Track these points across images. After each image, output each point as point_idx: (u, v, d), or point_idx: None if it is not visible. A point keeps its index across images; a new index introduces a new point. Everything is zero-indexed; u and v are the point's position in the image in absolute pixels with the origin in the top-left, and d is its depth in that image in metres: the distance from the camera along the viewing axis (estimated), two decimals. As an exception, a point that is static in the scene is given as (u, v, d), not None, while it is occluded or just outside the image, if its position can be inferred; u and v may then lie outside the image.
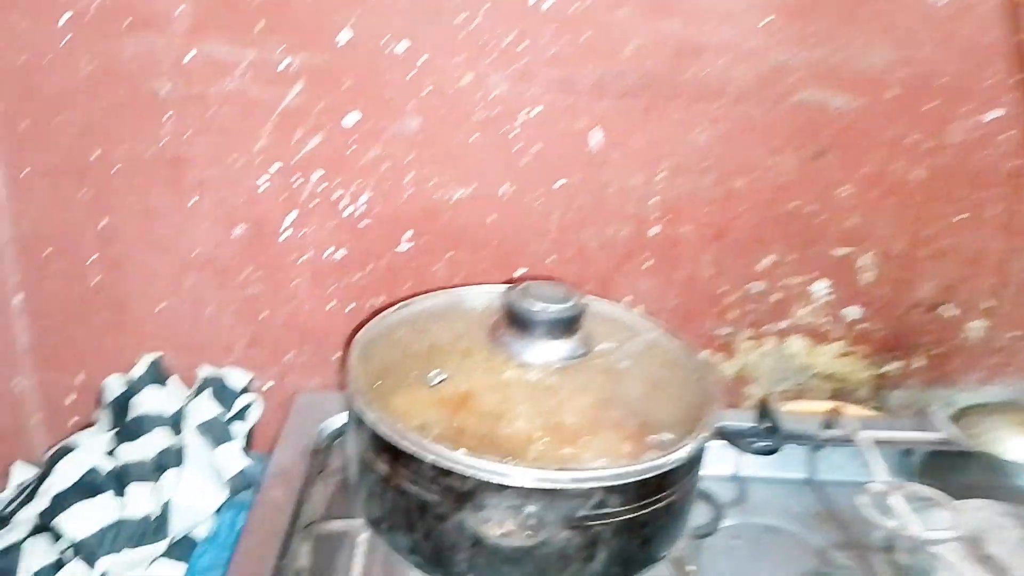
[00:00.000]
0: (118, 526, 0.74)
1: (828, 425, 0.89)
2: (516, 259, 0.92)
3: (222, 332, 0.94)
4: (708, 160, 0.89)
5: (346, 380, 0.60)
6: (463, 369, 0.62)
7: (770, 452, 0.79)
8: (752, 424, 0.87)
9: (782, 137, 0.89)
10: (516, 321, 0.62)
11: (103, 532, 0.73)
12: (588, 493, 0.51)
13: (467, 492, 0.52)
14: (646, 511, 0.54)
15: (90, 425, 0.92)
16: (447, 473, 0.52)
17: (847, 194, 0.91)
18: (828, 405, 0.96)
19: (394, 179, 0.87)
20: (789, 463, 0.86)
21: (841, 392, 1.00)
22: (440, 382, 0.61)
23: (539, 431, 0.59)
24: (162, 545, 0.76)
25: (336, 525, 0.67)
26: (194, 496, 0.79)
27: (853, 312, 0.97)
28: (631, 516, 0.53)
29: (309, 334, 0.94)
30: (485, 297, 0.74)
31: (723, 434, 0.83)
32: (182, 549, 0.77)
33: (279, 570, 0.66)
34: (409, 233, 0.90)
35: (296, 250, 0.90)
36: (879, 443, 0.82)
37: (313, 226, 0.89)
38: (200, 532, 0.79)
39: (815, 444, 0.88)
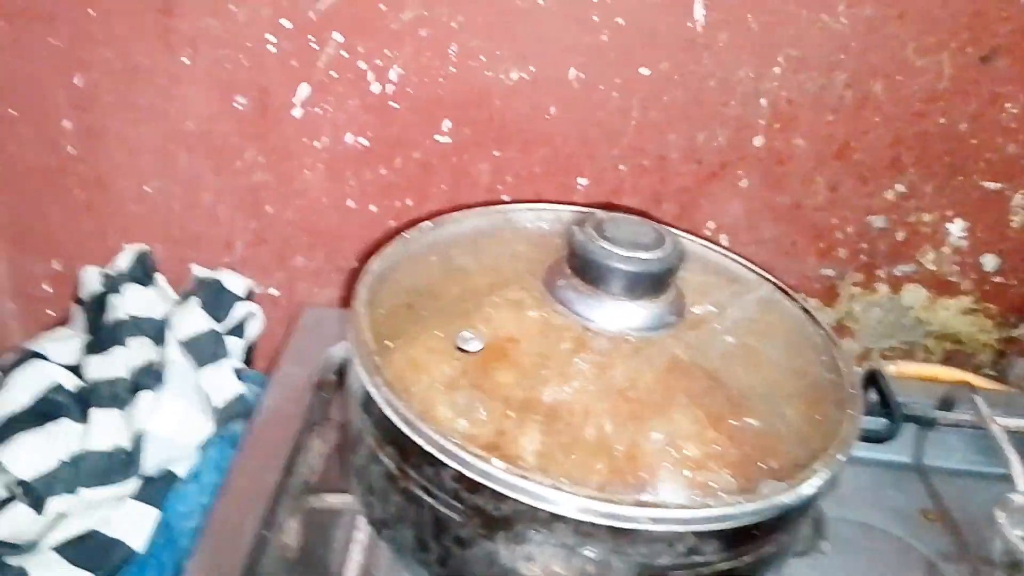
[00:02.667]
0: (78, 460, 0.61)
1: (949, 404, 0.72)
2: (578, 164, 0.74)
3: (220, 225, 0.78)
4: (840, 54, 0.68)
5: (348, 326, 0.44)
6: (507, 329, 0.46)
7: (883, 440, 0.63)
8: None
9: (942, 30, 0.68)
10: (584, 269, 0.45)
11: (57, 469, 0.60)
12: (676, 537, 0.36)
13: (502, 517, 0.37)
14: (751, 556, 0.39)
15: (67, 321, 0.78)
16: (476, 487, 0.37)
17: (1014, 112, 0.71)
18: (939, 370, 0.80)
19: (433, 51, 0.69)
20: (893, 442, 0.70)
21: (957, 355, 0.83)
22: (474, 348, 0.44)
23: (609, 432, 0.43)
24: (130, 484, 0.63)
25: (333, 500, 0.53)
26: (173, 426, 0.66)
27: (990, 262, 0.78)
28: (730, 565, 0.38)
29: (322, 236, 0.78)
30: (543, 222, 0.56)
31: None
32: (156, 489, 0.64)
33: (261, 545, 0.53)
34: (448, 122, 0.72)
35: (309, 132, 0.73)
36: (1012, 433, 0.66)
37: (330, 104, 0.71)
38: (179, 470, 0.66)
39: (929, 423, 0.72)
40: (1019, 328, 0.82)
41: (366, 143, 0.73)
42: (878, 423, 0.63)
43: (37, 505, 0.59)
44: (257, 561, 0.52)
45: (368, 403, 0.41)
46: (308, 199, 0.76)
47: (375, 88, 0.70)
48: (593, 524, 0.35)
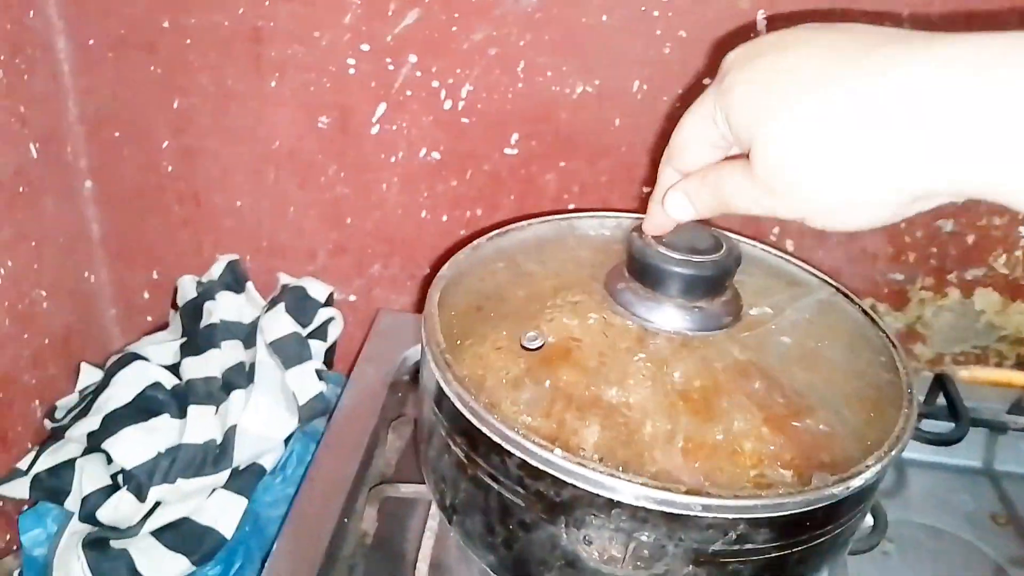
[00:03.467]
0: (175, 452, 0.66)
1: (1021, 408, 0.71)
2: (642, 173, 0.76)
3: (304, 236, 0.83)
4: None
5: (422, 327, 0.48)
6: (569, 330, 0.49)
7: (948, 443, 0.63)
8: (923, 401, 0.71)
9: None
10: (643, 272, 0.47)
11: (156, 460, 0.65)
12: (727, 524, 0.38)
13: (562, 503, 0.39)
14: (802, 548, 0.40)
15: (165, 326, 0.85)
16: (538, 474, 0.39)
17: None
18: (1012, 374, 0.79)
19: (502, 68, 0.72)
20: (963, 446, 0.69)
21: (1033, 360, 0.81)
22: (538, 348, 0.47)
23: (666, 425, 0.45)
24: (223, 475, 0.68)
25: (407, 490, 0.57)
26: (262, 422, 0.70)
27: (1066, 264, 0.76)
28: (781, 554, 0.40)
29: (398, 245, 0.82)
30: (605, 229, 0.59)
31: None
32: (245, 481, 0.69)
33: (341, 532, 0.57)
34: (516, 135, 0.75)
35: (387, 148, 0.77)
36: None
37: (406, 121, 0.76)
38: (267, 463, 0.71)
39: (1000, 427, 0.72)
40: (1099, 333, 0.80)
41: (438, 157, 0.77)
42: (947, 427, 0.63)
43: (139, 493, 0.64)
44: (338, 547, 0.56)
45: (440, 397, 0.44)
46: (385, 211, 0.80)
47: (447, 105, 0.74)
48: (647, 510, 0.38)
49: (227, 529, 0.66)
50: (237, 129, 0.78)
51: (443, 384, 0.44)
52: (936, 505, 0.68)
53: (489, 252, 0.56)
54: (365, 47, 0.72)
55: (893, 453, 0.41)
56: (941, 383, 0.69)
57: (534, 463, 0.39)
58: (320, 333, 0.80)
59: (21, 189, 0.71)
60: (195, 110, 0.78)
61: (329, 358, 0.83)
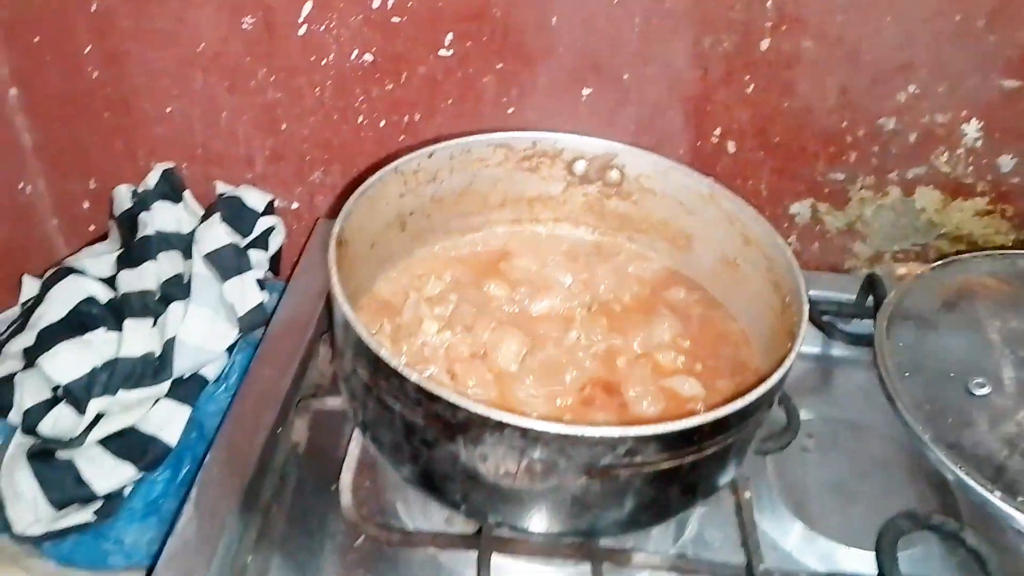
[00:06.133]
0: (112, 366, 0.67)
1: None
2: (583, 75, 0.74)
3: (239, 143, 0.81)
4: (849, -50, 0.66)
5: (329, 250, 0.48)
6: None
7: (871, 343, 0.64)
8: (852, 299, 0.72)
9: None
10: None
11: (92, 374, 0.66)
12: (614, 441, 0.39)
13: (458, 424, 0.40)
14: (693, 457, 0.42)
15: (106, 236, 0.84)
16: (433, 398, 0.40)
17: (1038, 5, 0.68)
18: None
19: (430, -36, 0.69)
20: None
21: (972, 258, 0.82)
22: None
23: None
24: (164, 387, 0.69)
25: (335, 403, 0.58)
26: (200, 334, 0.71)
27: (1007, 163, 0.76)
28: (673, 464, 0.41)
29: (337, 151, 0.81)
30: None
31: (812, 311, 0.68)
32: (188, 390, 0.70)
33: (272, 442, 0.58)
34: (450, 35, 0.73)
35: (316, 50, 0.75)
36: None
37: (334, 21, 0.73)
38: (209, 373, 0.72)
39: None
40: (1037, 229, 0.80)
41: (371, 59, 0.75)
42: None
43: (78, 406, 0.65)
44: (269, 457, 0.57)
45: (345, 326, 0.44)
46: (320, 116, 0.79)
47: (376, 3, 0.71)
48: (536, 431, 0.39)
49: (171, 437, 0.68)
50: (159, 31, 0.75)
51: (348, 316, 0.44)
52: (861, 402, 0.70)
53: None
54: (285, -60, 0.69)
55: (780, 374, 0.42)
56: (871, 283, 0.70)
57: (430, 387, 0.40)
58: (261, 242, 0.80)
59: (-65, 101, 0.68)
60: (114, 12, 0.74)
61: (275, 266, 0.83)
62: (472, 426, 0.40)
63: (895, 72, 0.72)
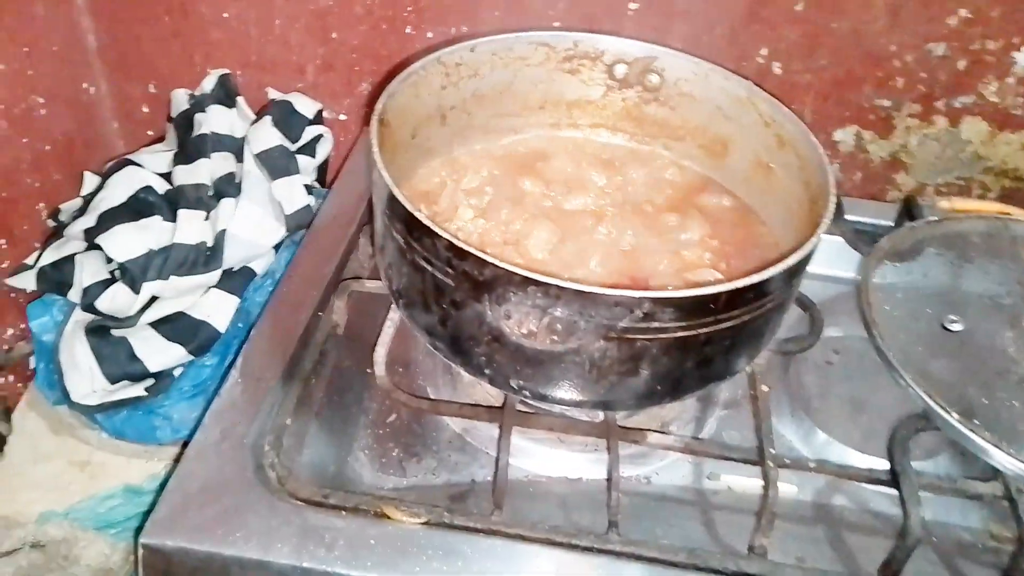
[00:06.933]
0: (167, 251, 0.71)
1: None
2: (631, -13, 0.75)
3: (292, 51, 0.84)
4: None
5: (370, 126, 0.50)
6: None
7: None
8: (890, 224, 0.72)
9: None
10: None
11: (148, 256, 0.70)
12: (633, 302, 0.41)
13: (484, 281, 0.42)
14: (708, 329, 0.43)
15: (163, 139, 0.88)
16: (463, 255, 0.42)
17: (1100, -74, 0.66)
18: (994, 207, 0.78)
19: None
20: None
21: (1015, 193, 0.81)
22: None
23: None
24: (215, 275, 0.72)
25: (373, 285, 0.61)
26: (250, 229, 0.74)
27: (1061, 93, 0.75)
28: (688, 334, 0.43)
29: (385, 62, 0.83)
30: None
31: (847, 232, 0.69)
32: (236, 281, 0.74)
33: (315, 321, 0.61)
34: (500, -56, 0.74)
35: (369, -44, 0.76)
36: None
37: (388, -72, 0.74)
38: (257, 267, 0.75)
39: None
40: (1088, 167, 0.79)
41: (419, -32, 0.76)
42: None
43: (133, 285, 0.69)
44: (311, 334, 0.60)
45: (383, 192, 0.47)
46: (369, 25, 0.80)
47: (427, -90, 0.72)
48: (559, 287, 0.41)
49: (221, 323, 0.71)
50: (218, -67, 0.77)
51: (386, 181, 0.46)
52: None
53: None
54: None
55: (801, 255, 0.43)
56: (908, 207, 0.70)
57: (460, 244, 0.42)
58: (309, 149, 0.82)
59: (7, -7, 0.72)
60: (176, -87, 0.77)
61: (321, 176, 0.85)
62: (498, 284, 0.42)
63: (948, -7, 0.71)
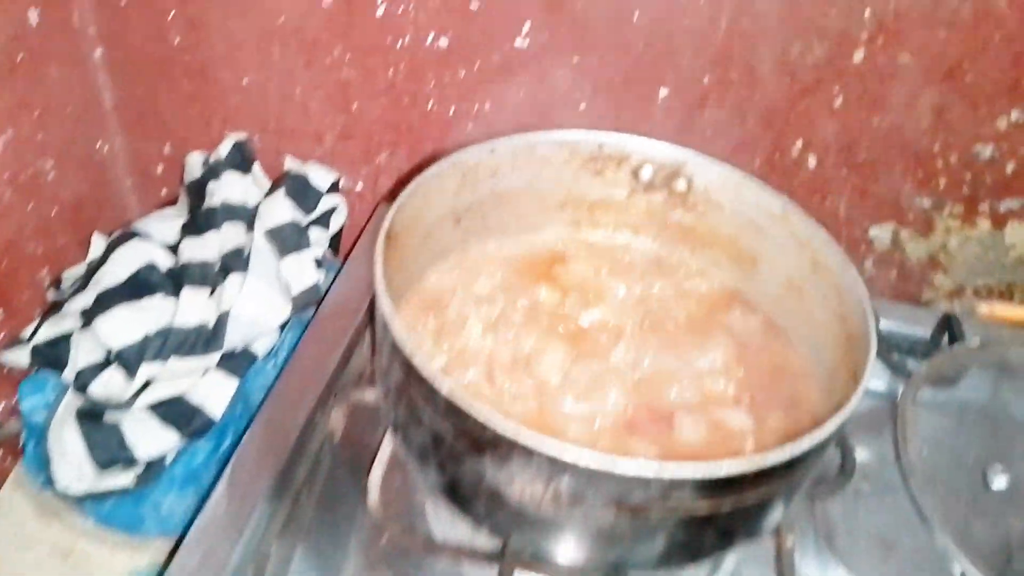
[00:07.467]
0: (166, 333, 0.68)
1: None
2: (661, 73, 0.72)
3: (311, 119, 0.81)
4: (960, -38, 0.61)
5: (375, 253, 0.47)
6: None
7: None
8: (927, 336, 0.68)
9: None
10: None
11: (145, 341, 0.67)
12: (647, 482, 0.37)
13: (486, 442, 0.39)
14: (731, 505, 0.39)
15: (176, 200, 0.85)
16: (463, 415, 0.39)
17: None
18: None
19: (513, -49, 0.67)
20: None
21: (1063, 301, 0.76)
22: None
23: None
24: (214, 357, 0.70)
25: (374, 397, 0.57)
26: (255, 308, 0.71)
27: (1114, 204, 0.70)
28: (708, 511, 0.39)
29: (404, 134, 0.80)
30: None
31: (882, 347, 0.64)
32: (237, 363, 0.71)
33: (310, 428, 0.58)
34: (528, 24, 0.71)
35: (393, 31, 0.74)
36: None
37: (413, 3, 0.72)
38: (259, 348, 0.72)
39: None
40: None
41: (446, 44, 0.73)
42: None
43: (128, 370, 0.66)
44: (305, 442, 0.57)
45: (384, 324, 0.43)
46: (391, 98, 0.78)
47: (455, -12, 0.70)
48: (567, 463, 0.37)
49: (217, 408, 0.68)
50: (241, 1, 0.75)
51: (387, 316, 0.43)
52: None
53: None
54: (369, -80, 0.68)
55: (837, 423, 0.39)
56: (948, 324, 0.66)
57: (460, 403, 0.39)
58: (323, 221, 0.80)
59: (20, 57, 0.70)
60: (198, -21, 0.75)
61: (334, 246, 0.83)
62: (500, 446, 0.38)
63: (999, 95, 0.67)
